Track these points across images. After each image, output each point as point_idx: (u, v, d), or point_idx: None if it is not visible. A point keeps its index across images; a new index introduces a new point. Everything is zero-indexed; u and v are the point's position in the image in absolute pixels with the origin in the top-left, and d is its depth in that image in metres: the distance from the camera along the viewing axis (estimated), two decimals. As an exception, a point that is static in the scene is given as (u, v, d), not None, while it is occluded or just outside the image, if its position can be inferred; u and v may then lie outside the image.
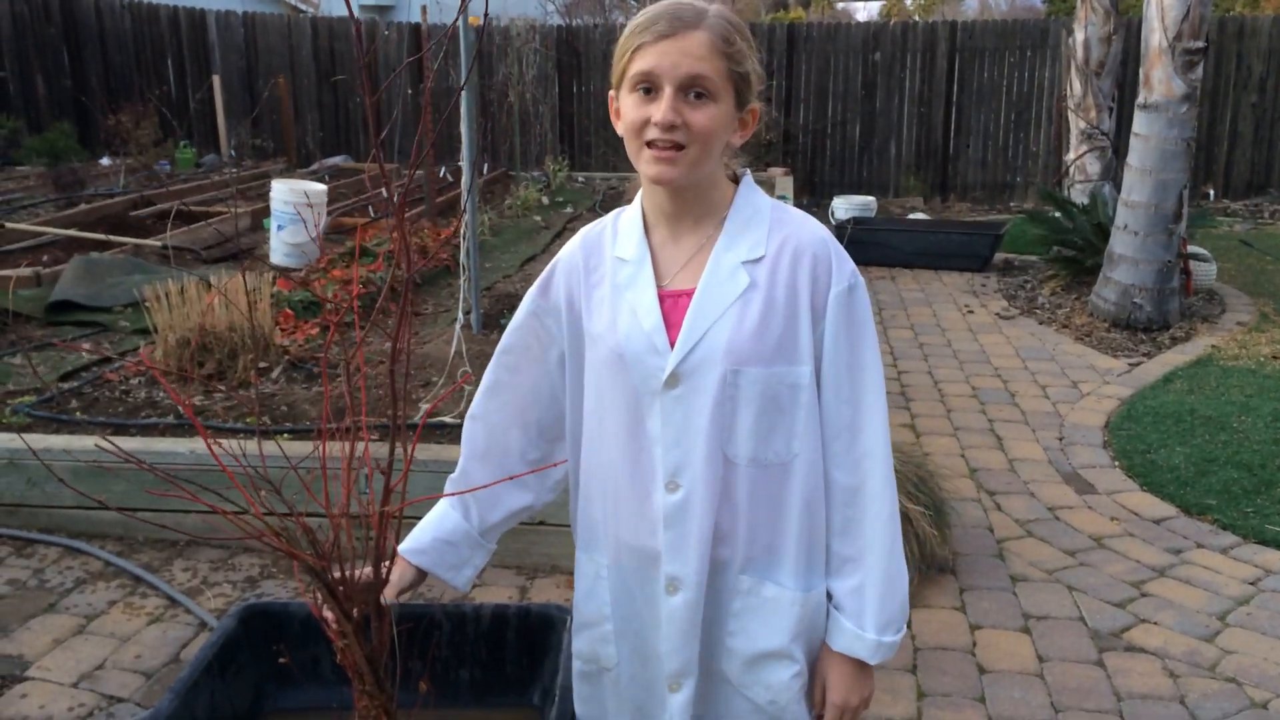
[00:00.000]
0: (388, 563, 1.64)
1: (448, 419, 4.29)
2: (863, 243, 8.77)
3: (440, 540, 1.75)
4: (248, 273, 6.38)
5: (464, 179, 5.32)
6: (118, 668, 3.14)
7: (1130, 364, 6.13)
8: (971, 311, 7.41)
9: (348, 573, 1.57)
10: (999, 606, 3.49)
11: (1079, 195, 8.90)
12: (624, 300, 1.58)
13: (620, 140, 1.55)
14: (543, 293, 1.70)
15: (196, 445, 3.93)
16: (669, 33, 1.45)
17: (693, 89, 1.46)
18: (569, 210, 9.81)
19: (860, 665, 1.58)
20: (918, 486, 3.67)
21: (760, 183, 1.74)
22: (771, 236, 1.55)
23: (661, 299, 1.56)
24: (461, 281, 5.20)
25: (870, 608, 1.55)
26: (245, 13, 13.53)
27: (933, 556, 3.63)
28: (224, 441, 4.12)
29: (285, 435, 4.11)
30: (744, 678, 1.63)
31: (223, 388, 4.68)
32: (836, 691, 1.60)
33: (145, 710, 2.90)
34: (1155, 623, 3.39)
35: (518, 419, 1.76)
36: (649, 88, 1.47)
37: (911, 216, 10.52)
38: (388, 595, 1.63)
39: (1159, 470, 4.54)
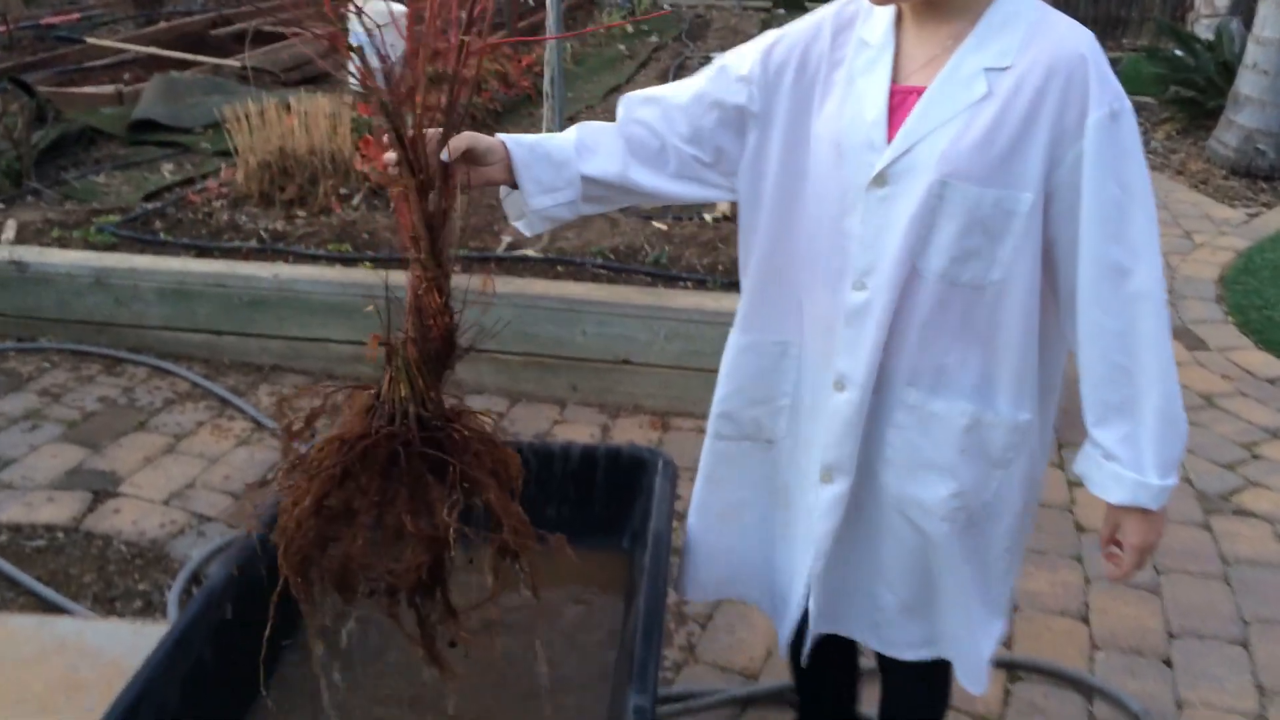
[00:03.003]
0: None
1: (530, 252, 4.18)
2: (964, 79, 8.31)
3: (543, 149, 1.58)
4: (327, 96, 6.23)
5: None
6: (207, 487, 3.17)
7: (1249, 214, 5.76)
8: (1078, 155, 7.00)
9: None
10: (1099, 464, 3.35)
11: (1203, 31, 8.26)
12: (855, 88, 1.51)
13: None
14: (767, 53, 1.58)
15: (279, 270, 3.89)
16: None
17: None
18: (654, 39, 9.41)
19: (1145, 510, 1.50)
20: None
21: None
22: (1026, 47, 1.40)
23: (892, 93, 1.48)
24: (544, 110, 4.99)
25: (1149, 453, 1.46)
26: None
27: (1031, 410, 3.47)
28: (305, 268, 4.06)
29: (367, 263, 4.04)
30: (900, 489, 1.60)
31: (303, 213, 4.60)
32: (1134, 534, 1.52)
33: (234, 530, 2.94)
34: (1266, 486, 3.23)
35: (670, 132, 1.63)
36: None
37: (1016, 52, 9.92)
38: (457, 143, 1.46)
39: (1276, 327, 4.28)
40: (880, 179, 1.46)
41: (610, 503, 2.14)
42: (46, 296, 3.98)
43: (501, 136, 1.56)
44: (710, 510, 1.84)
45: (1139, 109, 8.01)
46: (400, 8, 6.14)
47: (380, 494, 1.42)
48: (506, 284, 3.70)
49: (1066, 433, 2.65)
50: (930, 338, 1.51)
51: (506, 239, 4.33)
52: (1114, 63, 6.89)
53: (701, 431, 1.85)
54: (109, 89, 6.16)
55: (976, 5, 1.43)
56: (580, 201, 1.61)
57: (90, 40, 7.07)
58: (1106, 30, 11.49)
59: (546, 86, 5.05)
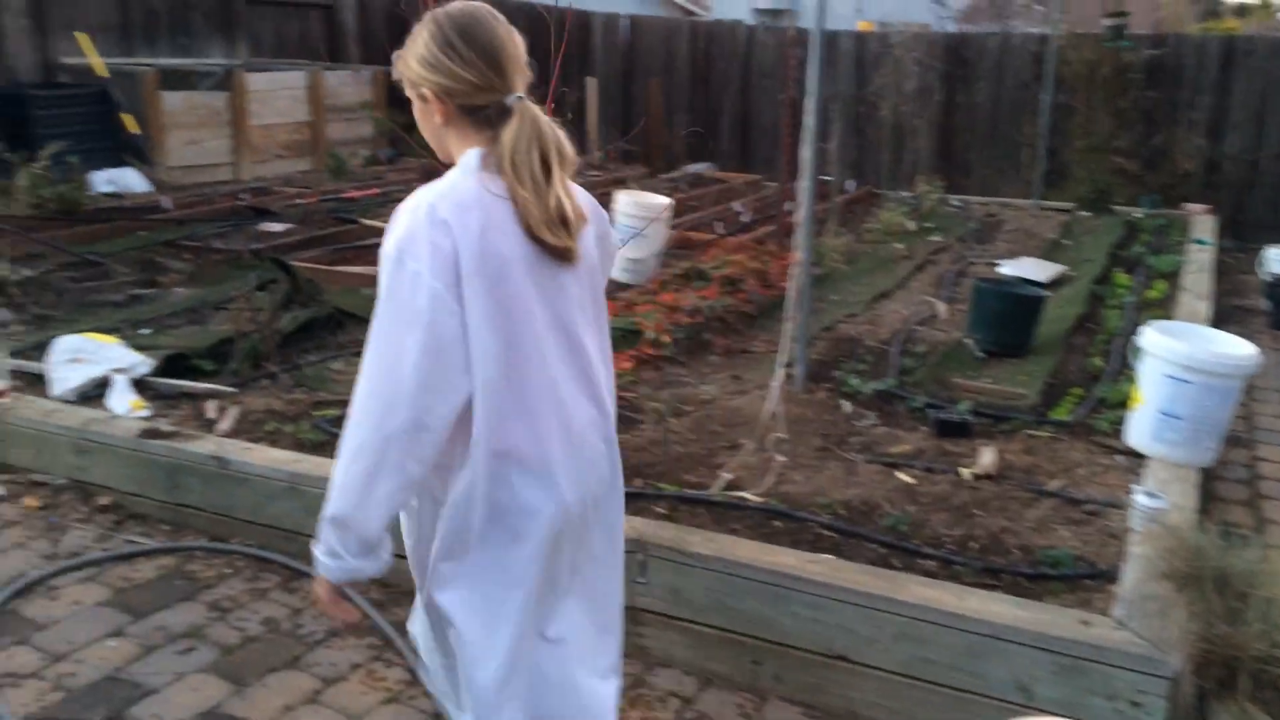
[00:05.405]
0: None
1: (750, 496, 3.65)
2: (1300, 304, 7.17)
3: None
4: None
5: (802, 203, 4.62)
6: (335, 757, 2.78)
7: None
8: None
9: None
10: None
11: None
12: None
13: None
14: None
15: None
16: None
17: None
18: (937, 238, 8.81)
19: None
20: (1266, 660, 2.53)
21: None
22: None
23: None
24: (787, 324, 4.52)
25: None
26: (630, 15, 13.55)
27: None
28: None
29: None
30: None
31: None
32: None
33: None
34: None
35: None
36: None
37: (1366, 272, 8.56)
38: None
39: None
40: None
41: None
42: (244, 496, 3.84)
43: None
44: None
45: None
46: (663, 201, 5.90)
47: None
48: (708, 542, 3.16)
49: None
50: None
51: (726, 476, 3.82)
52: None
53: None
54: (371, 270, 6.26)
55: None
56: None
57: (362, 221, 7.33)
58: None
59: (791, 297, 4.58)
